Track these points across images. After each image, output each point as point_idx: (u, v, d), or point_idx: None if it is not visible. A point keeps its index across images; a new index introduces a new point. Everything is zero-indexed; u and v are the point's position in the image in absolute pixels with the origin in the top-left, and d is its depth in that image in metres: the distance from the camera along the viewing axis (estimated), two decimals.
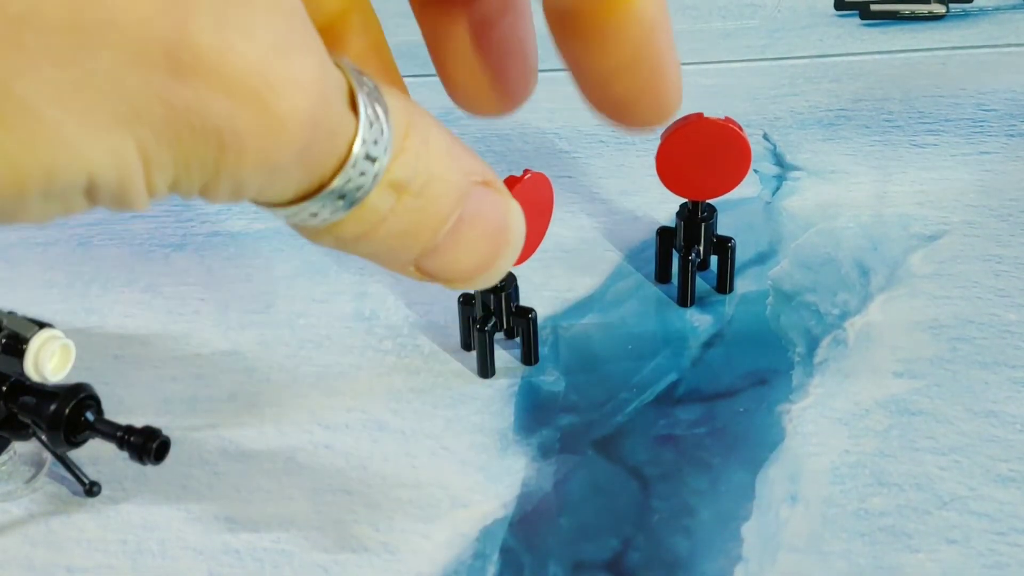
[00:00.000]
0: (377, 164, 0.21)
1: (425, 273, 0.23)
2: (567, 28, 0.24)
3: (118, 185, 0.17)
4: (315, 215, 0.21)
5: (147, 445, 0.41)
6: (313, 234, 0.22)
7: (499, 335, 0.51)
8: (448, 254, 0.23)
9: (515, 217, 0.24)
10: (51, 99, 0.15)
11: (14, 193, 0.16)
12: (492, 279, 0.25)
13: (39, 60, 0.15)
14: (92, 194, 0.17)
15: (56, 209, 0.17)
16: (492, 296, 0.50)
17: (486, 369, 0.50)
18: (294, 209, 0.21)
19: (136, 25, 0.15)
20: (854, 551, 0.41)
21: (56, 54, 0.15)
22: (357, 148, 0.20)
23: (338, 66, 0.20)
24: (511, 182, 0.43)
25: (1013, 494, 0.43)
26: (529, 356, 0.51)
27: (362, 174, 0.20)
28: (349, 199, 0.21)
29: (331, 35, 0.24)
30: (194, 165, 0.17)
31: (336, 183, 0.20)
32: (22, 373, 0.40)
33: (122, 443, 0.41)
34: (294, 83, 0.18)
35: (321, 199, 0.20)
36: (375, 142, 0.20)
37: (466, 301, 0.51)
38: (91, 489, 0.45)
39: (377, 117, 0.21)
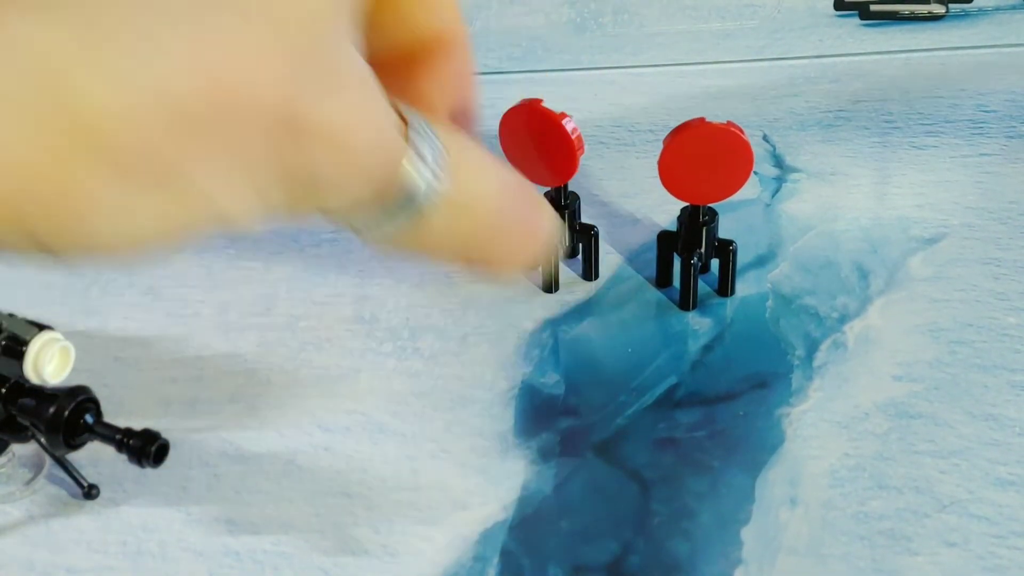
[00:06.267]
0: (430, 183, 0.24)
1: (473, 269, 0.27)
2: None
3: (242, 224, 0.22)
4: (379, 227, 0.25)
5: (146, 448, 0.41)
6: (376, 243, 0.26)
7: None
8: (494, 255, 0.27)
9: (548, 217, 0.28)
10: (203, 171, 0.20)
11: (166, 244, 0.21)
12: (529, 268, 0.31)
13: (196, 143, 0.20)
14: (220, 227, 0.21)
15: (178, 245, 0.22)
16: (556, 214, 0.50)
17: (551, 284, 0.51)
18: (361, 222, 0.25)
19: (262, 107, 0.20)
20: (853, 554, 0.41)
21: (203, 135, 0.20)
22: (413, 172, 0.24)
23: (395, 108, 0.24)
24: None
25: (1012, 497, 0.43)
26: (591, 272, 0.52)
27: (415, 193, 0.24)
28: (406, 213, 0.24)
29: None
30: (296, 199, 0.22)
31: (394, 200, 0.24)
32: (22, 375, 0.40)
33: (121, 446, 0.41)
34: (370, 138, 0.23)
35: (383, 213, 0.24)
36: (427, 163, 0.24)
37: None
38: (90, 492, 0.45)
39: (428, 143, 0.24)
